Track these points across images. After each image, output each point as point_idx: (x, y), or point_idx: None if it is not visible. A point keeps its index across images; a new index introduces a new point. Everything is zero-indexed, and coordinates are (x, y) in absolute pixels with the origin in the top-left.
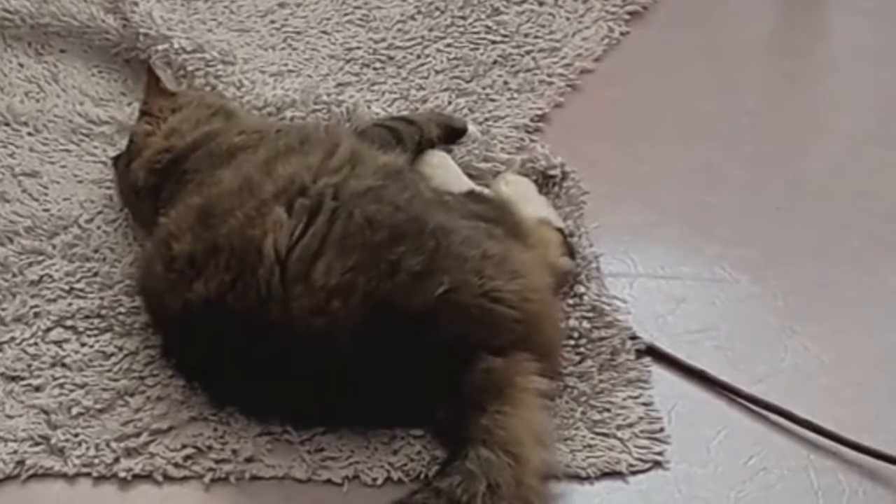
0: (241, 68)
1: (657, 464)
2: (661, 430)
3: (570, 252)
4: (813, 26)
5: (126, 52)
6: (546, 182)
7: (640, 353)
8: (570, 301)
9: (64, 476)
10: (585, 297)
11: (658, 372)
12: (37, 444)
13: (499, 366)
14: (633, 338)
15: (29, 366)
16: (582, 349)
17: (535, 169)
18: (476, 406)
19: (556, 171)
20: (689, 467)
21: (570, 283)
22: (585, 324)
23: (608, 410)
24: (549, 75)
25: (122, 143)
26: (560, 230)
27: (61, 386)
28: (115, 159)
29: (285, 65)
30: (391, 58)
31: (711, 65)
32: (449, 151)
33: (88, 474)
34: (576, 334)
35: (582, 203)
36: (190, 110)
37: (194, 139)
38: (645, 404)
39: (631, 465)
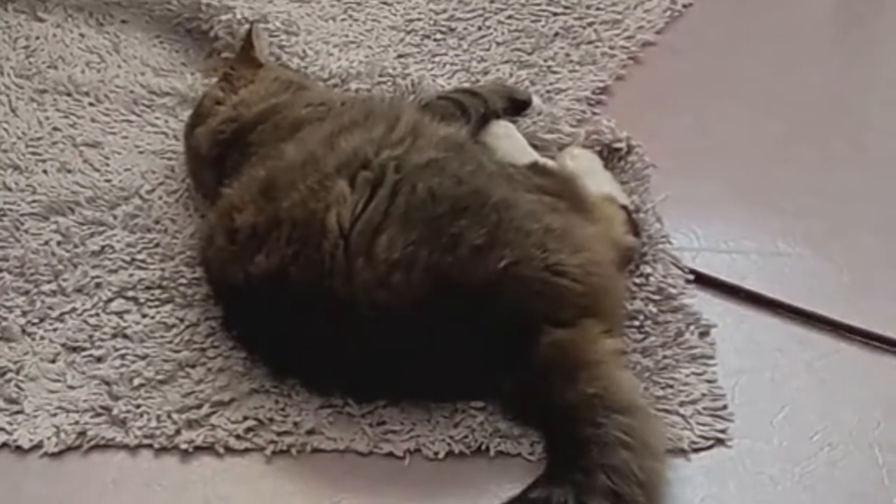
0: (304, 39)
1: (719, 441)
2: (725, 407)
3: (635, 229)
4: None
5: (187, 22)
6: (610, 156)
7: (703, 334)
8: (636, 280)
9: (125, 447)
10: (651, 279)
11: (722, 347)
12: (98, 414)
13: (565, 337)
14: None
15: (90, 336)
16: (646, 328)
17: (599, 142)
18: (564, 377)
19: (622, 145)
20: (753, 443)
21: (635, 261)
22: (651, 307)
23: (671, 387)
24: (611, 48)
25: (184, 114)
26: (625, 207)
27: (123, 357)
28: None
29: (346, 35)
30: (452, 29)
31: (774, 37)
32: (514, 122)
33: (150, 445)
34: (641, 316)
35: (647, 177)
36: (263, 84)
37: (261, 110)
38: (708, 381)
39: (693, 442)
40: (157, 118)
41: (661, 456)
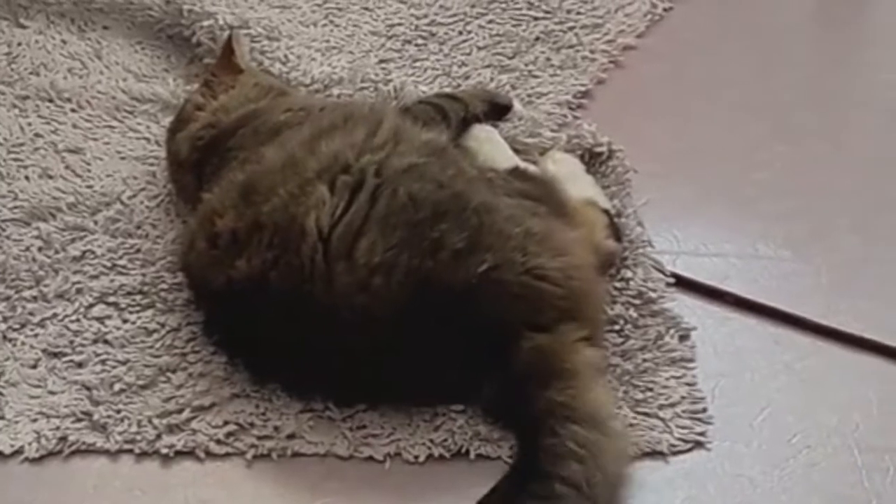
0: (286, 44)
1: (699, 443)
2: (704, 410)
3: (616, 234)
4: (854, 1)
5: (169, 28)
6: (591, 160)
7: (683, 337)
8: (617, 285)
9: (106, 452)
10: (632, 282)
11: (701, 350)
12: (79, 420)
13: (545, 342)
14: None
15: (71, 342)
16: (626, 332)
17: (580, 146)
18: (538, 383)
19: (603, 149)
20: (732, 445)
21: (616, 266)
22: (632, 311)
23: (651, 390)
24: (591, 52)
25: (166, 120)
26: (606, 211)
27: (103, 362)
28: None
29: (327, 41)
30: (433, 34)
31: (754, 40)
32: (495, 127)
33: (130, 451)
34: (621, 320)
35: (628, 182)
36: (243, 89)
37: (239, 116)
38: (688, 384)
39: (672, 445)
40: (138, 124)
41: (612, 474)
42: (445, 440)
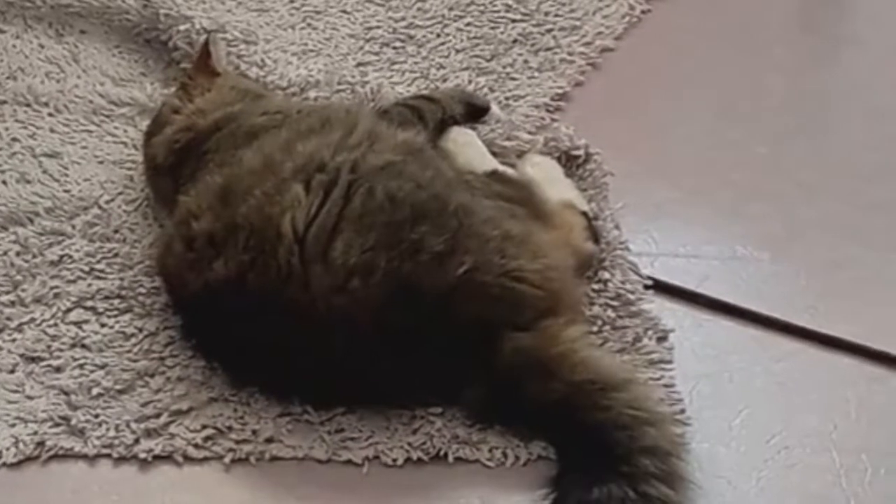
0: (262, 48)
1: None
2: (682, 411)
3: (595, 236)
4: (836, 3)
5: (147, 32)
6: (569, 163)
7: (661, 339)
8: (595, 286)
9: (84, 457)
10: (610, 284)
11: (679, 352)
12: (57, 424)
13: (527, 339)
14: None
15: (49, 347)
16: (605, 334)
17: (558, 149)
18: (543, 376)
19: (580, 152)
20: (711, 447)
21: (594, 268)
22: (610, 312)
23: None
24: (569, 54)
25: (143, 124)
26: (584, 214)
27: (81, 367)
28: None
29: (305, 44)
30: (411, 37)
31: (733, 42)
32: (473, 129)
33: (108, 455)
34: (599, 321)
35: (605, 185)
36: (220, 93)
37: (216, 119)
38: (666, 385)
39: None
40: (116, 128)
41: (671, 419)
42: (424, 443)
